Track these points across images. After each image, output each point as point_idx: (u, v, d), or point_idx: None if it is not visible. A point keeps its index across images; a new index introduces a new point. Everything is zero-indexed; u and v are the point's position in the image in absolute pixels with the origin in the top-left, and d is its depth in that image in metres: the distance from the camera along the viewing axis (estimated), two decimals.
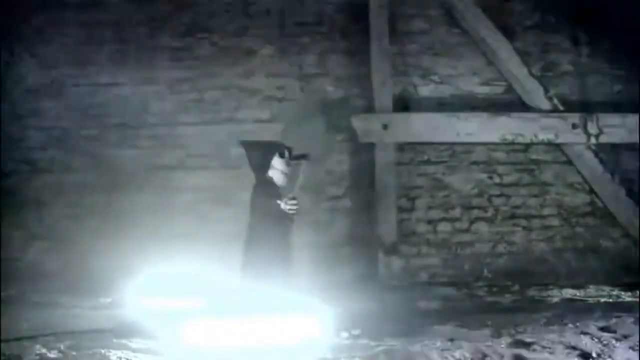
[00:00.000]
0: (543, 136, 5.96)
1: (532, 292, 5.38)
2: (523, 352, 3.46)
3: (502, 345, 3.58)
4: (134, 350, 3.50)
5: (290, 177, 4.02)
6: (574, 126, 5.95)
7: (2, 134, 5.95)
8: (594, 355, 3.38)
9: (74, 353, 3.42)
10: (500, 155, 6.11)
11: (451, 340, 3.70)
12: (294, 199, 3.86)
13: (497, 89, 6.17)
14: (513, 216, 6.06)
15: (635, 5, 5.85)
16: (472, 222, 6.05)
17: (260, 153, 4.02)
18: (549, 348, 3.52)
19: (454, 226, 6.04)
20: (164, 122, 6.05)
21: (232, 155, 5.78)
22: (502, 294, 5.36)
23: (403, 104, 6.03)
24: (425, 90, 6.15)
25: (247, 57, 6.13)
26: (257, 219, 3.88)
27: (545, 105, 6.02)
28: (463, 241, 6.02)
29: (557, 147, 6.07)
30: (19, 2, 6.07)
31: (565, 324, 4.09)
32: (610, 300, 5.06)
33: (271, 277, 3.70)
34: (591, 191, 6.07)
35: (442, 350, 3.47)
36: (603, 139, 5.95)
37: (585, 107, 6.06)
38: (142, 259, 5.44)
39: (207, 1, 6.16)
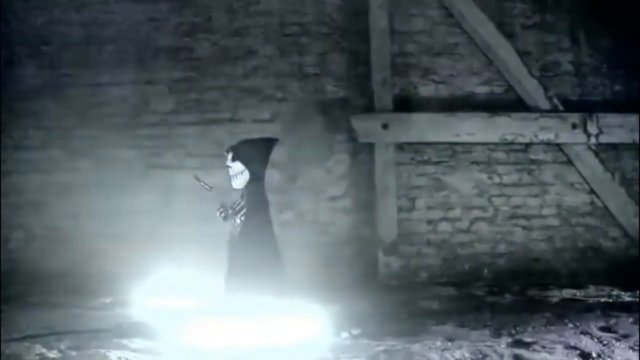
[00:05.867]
0: (543, 136, 5.96)
1: (532, 292, 5.38)
2: (523, 352, 3.46)
3: (502, 345, 3.58)
4: (134, 350, 3.50)
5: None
6: (574, 126, 5.95)
7: (2, 134, 5.95)
8: (593, 355, 3.39)
9: (74, 353, 3.42)
10: (500, 155, 6.11)
11: (451, 340, 3.70)
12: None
13: (497, 89, 6.17)
14: (513, 216, 6.06)
15: (635, 4, 5.86)
16: (472, 222, 6.04)
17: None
18: (549, 348, 3.52)
19: (454, 226, 6.04)
20: (164, 122, 6.05)
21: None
22: (502, 294, 5.35)
23: (403, 104, 6.03)
24: (425, 90, 6.15)
25: (247, 57, 6.13)
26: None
27: (545, 105, 6.02)
28: (463, 241, 6.02)
29: (557, 147, 6.07)
30: (19, 2, 6.07)
31: (565, 324, 4.09)
32: (610, 300, 5.06)
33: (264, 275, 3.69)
34: (591, 191, 6.08)
35: (442, 350, 3.47)
36: (603, 139, 5.96)
37: (585, 107, 6.07)
38: (142, 260, 5.46)
39: (207, 1, 6.17)
